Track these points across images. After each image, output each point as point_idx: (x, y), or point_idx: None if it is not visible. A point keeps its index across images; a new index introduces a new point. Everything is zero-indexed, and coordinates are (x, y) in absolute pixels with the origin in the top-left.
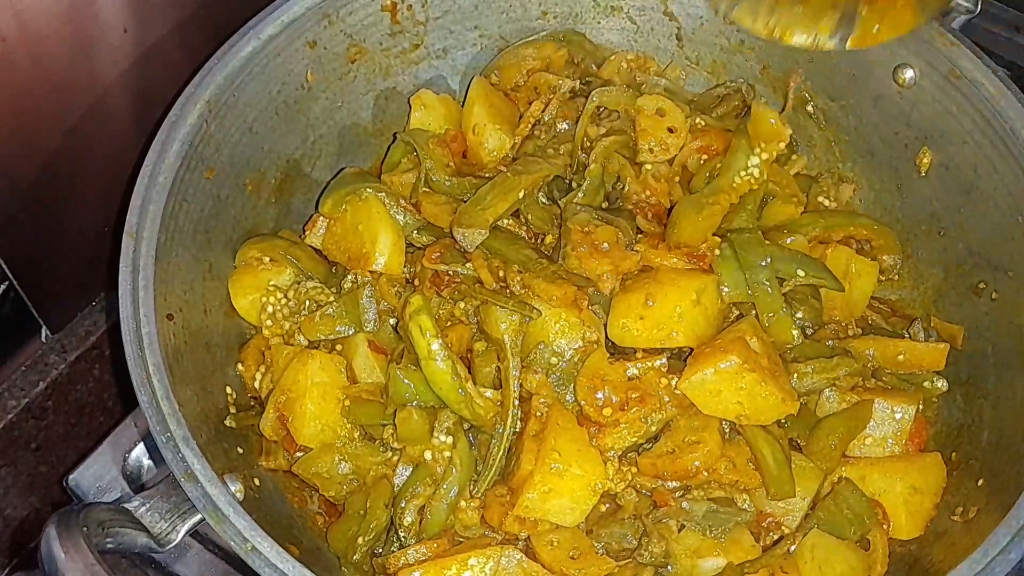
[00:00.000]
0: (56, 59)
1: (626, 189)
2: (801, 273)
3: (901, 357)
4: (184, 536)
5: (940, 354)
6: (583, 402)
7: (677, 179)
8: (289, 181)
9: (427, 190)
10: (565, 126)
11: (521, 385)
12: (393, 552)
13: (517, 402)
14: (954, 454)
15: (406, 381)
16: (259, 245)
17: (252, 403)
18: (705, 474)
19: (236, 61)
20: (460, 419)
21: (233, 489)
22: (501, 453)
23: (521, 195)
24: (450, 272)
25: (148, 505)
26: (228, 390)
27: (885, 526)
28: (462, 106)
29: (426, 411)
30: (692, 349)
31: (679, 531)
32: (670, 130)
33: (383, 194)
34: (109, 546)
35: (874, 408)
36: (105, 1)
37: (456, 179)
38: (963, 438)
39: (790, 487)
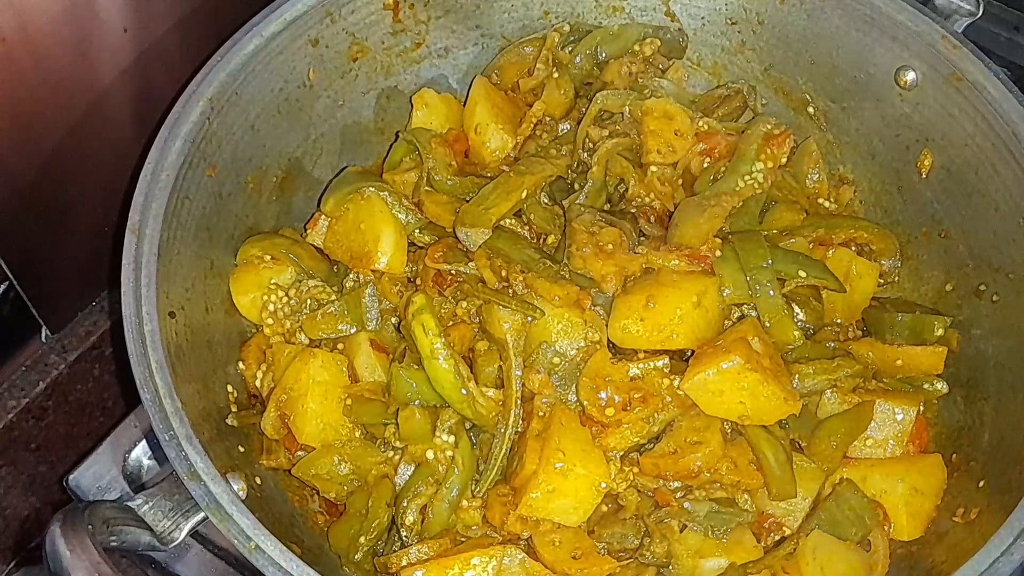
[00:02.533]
0: (56, 59)
1: (628, 192)
2: (803, 274)
3: (899, 361)
4: (187, 535)
5: (938, 357)
6: (586, 402)
7: (680, 182)
8: (290, 179)
9: (429, 189)
10: (567, 127)
11: (523, 385)
12: (395, 551)
13: (519, 402)
14: (955, 455)
15: (408, 380)
16: (260, 243)
17: (253, 402)
18: (707, 474)
19: (238, 58)
20: (462, 418)
21: (236, 488)
22: (503, 453)
23: (524, 195)
24: (452, 271)
25: (151, 504)
26: (229, 388)
27: (886, 527)
28: (464, 105)
29: (428, 410)
30: (693, 350)
31: (681, 531)
32: (676, 133)
33: (385, 193)
34: (113, 544)
35: (875, 409)
36: (105, 1)
37: (458, 179)
38: (964, 439)
39: (792, 488)
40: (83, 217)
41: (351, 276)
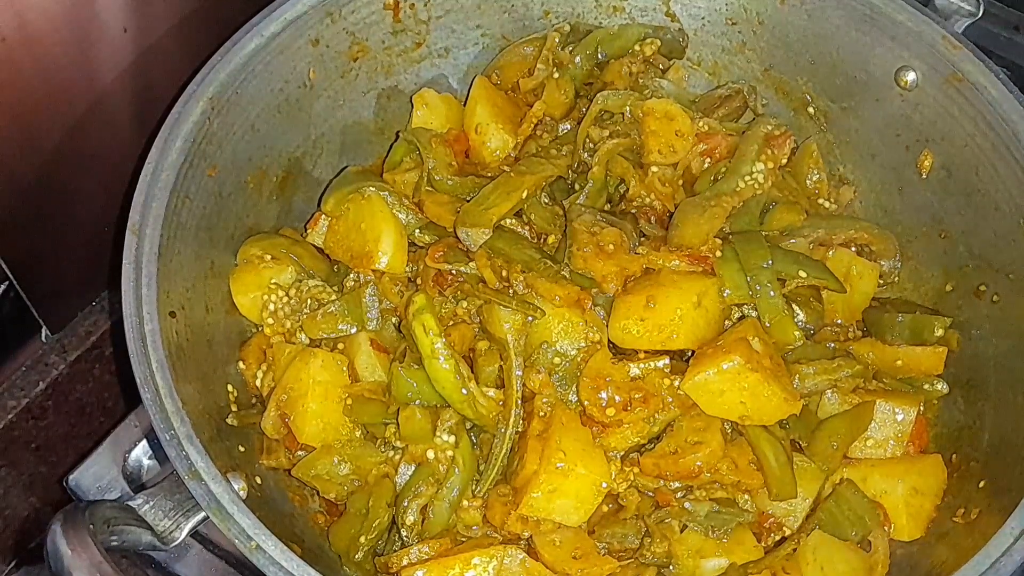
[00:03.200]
0: (56, 59)
1: (629, 192)
2: (803, 274)
3: (899, 362)
4: (187, 534)
5: (938, 358)
6: (586, 402)
7: (681, 183)
8: (291, 179)
9: (430, 189)
10: (567, 127)
11: (524, 385)
12: (395, 551)
13: (520, 402)
14: (955, 456)
15: (409, 380)
16: (261, 243)
17: (253, 401)
18: (707, 474)
19: (239, 58)
20: (463, 418)
21: (236, 487)
22: (504, 452)
23: (524, 195)
24: (453, 271)
25: (152, 503)
26: (229, 388)
27: (886, 527)
28: (464, 105)
29: (428, 410)
30: (693, 351)
31: (681, 531)
32: (677, 134)
33: (386, 193)
34: (114, 543)
35: (875, 410)
36: (105, 1)
37: (459, 178)
38: (964, 440)
39: (792, 488)
40: (83, 217)
41: (351, 276)
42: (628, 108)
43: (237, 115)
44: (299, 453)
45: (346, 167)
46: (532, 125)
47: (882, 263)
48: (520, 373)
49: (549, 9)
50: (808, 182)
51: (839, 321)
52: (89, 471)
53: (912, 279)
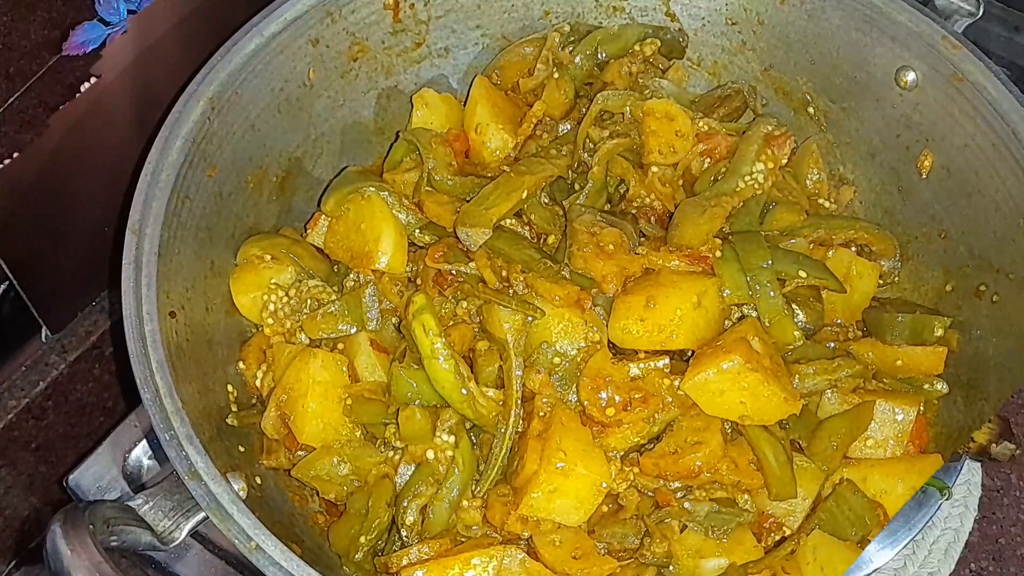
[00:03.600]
0: None
1: (629, 192)
2: (803, 274)
3: (899, 362)
4: (187, 534)
5: (938, 358)
6: (586, 402)
7: (681, 183)
8: (291, 179)
9: (430, 189)
10: (567, 127)
11: (524, 385)
12: (395, 551)
13: (520, 402)
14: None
15: (408, 380)
16: (261, 243)
17: (253, 401)
18: (707, 474)
19: (239, 58)
20: (463, 418)
21: (236, 487)
22: (504, 453)
23: (524, 195)
24: (453, 271)
25: (152, 503)
26: (229, 388)
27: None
28: (464, 105)
29: (428, 410)
30: (693, 351)
31: (681, 531)
32: (677, 134)
33: (386, 193)
34: (114, 544)
35: (875, 410)
36: None
37: (459, 178)
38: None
39: (792, 488)
40: (83, 217)
41: (351, 276)
42: (628, 108)
43: (237, 115)
44: (299, 453)
45: (346, 167)
46: (532, 125)
47: (882, 263)
48: (520, 373)
49: (549, 9)
50: (808, 182)
51: (839, 321)
52: (89, 471)
53: (912, 279)
